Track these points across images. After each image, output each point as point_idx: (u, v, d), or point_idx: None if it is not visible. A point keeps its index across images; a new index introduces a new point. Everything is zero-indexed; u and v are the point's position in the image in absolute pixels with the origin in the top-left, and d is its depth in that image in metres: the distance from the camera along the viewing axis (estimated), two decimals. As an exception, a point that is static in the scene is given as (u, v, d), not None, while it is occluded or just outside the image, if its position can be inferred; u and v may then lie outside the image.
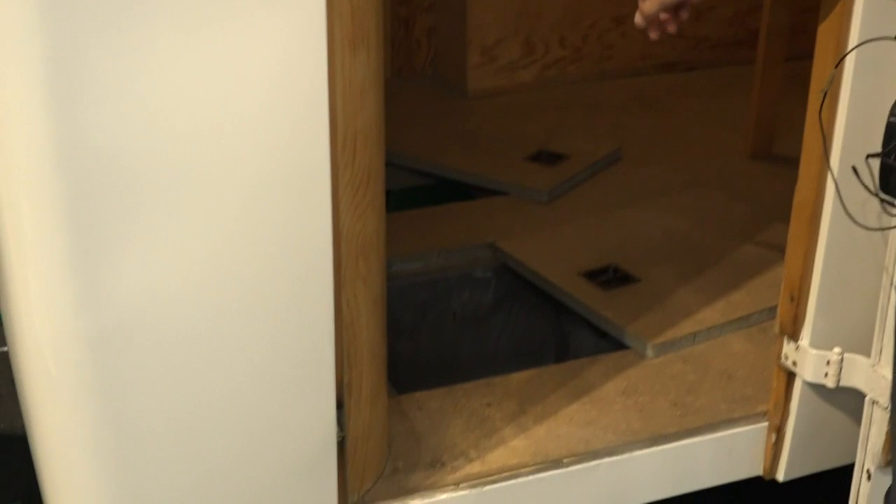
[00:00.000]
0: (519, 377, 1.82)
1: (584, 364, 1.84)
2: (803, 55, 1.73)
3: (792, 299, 1.61)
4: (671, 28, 1.42)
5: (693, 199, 2.35)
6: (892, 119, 1.40)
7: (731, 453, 1.71)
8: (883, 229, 1.51)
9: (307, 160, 1.30)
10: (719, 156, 2.61)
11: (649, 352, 1.85)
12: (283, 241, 1.31)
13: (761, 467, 1.73)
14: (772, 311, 1.94)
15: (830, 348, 1.60)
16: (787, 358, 1.65)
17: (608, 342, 1.97)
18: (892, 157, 1.41)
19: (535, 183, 2.38)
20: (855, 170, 1.50)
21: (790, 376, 1.66)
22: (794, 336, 1.63)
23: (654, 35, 1.44)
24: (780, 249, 2.14)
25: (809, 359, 1.61)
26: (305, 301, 1.34)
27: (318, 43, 1.25)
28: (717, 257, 2.11)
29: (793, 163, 2.64)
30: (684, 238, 2.18)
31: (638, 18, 1.43)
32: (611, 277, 2.04)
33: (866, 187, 1.49)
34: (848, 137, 1.49)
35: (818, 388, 1.64)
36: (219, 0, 1.18)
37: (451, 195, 2.54)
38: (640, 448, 1.66)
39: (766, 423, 1.71)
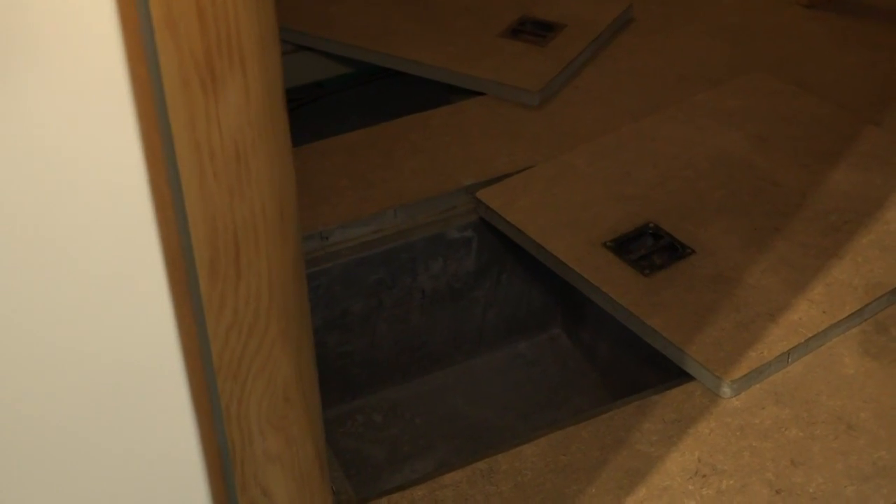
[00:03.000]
0: (534, 449, 1.20)
1: (627, 417, 1.23)
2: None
3: None
4: None
5: (744, 95, 1.67)
6: None
7: (869, 570, 1.12)
8: None
9: (133, 331, 0.63)
10: (764, 8, 1.91)
11: (725, 390, 1.24)
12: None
13: (909, 579, 1.16)
14: (892, 294, 1.33)
15: None
16: (964, 439, 1.05)
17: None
18: None
19: (520, 79, 1.69)
20: None
21: (969, 465, 1.06)
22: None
23: None
24: (887, 177, 1.51)
25: None
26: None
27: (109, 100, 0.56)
28: (796, 200, 1.47)
29: (872, 11, 1.97)
30: (744, 167, 1.53)
31: None
32: (650, 249, 1.40)
33: None
34: None
35: None
36: None
37: (386, 97, 1.85)
38: (739, 591, 1.07)
39: (920, 522, 1.13)
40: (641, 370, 1.44)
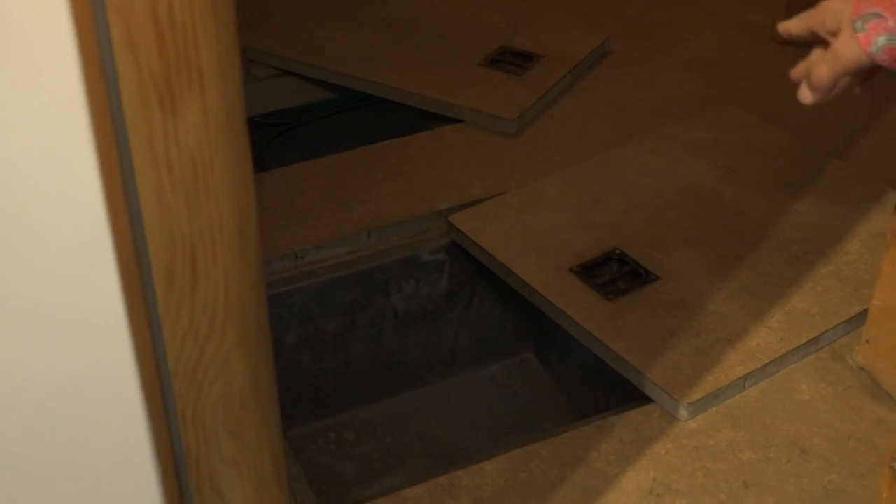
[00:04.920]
0: (494, 466, 1.24)
1: (586, 437, 1.26)
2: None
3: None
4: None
5: (714, 127, 1.72)
6: None
7: (816, 589, 1.16)
8: None
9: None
10: (738, 44, 1.96)
11: (682, 412, 1.27)
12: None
13: None
14: (848, 323, 1.37)
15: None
16: (907, 463, 1.08)
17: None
18: None
19: (497, 107, 1.73)
20: None
21: (912, 489, 1.09)
22: (925, 438, 1.05)
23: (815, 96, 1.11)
24: (848, 210, 1.55)
25: (950, 476, 1.04)
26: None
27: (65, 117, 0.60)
28: (761, 230, 1.51)
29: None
30: (712, 197, 1.57)
31: (805, 95, 1.12)
32: (615, 275, 1.44)
33: None
34: None
35: (956, 509, 1.08)
36: None
37: (371, 121, 1.89)
38: None
39: (866, 543, 1.16)
40: (608, 395, 1.47)
